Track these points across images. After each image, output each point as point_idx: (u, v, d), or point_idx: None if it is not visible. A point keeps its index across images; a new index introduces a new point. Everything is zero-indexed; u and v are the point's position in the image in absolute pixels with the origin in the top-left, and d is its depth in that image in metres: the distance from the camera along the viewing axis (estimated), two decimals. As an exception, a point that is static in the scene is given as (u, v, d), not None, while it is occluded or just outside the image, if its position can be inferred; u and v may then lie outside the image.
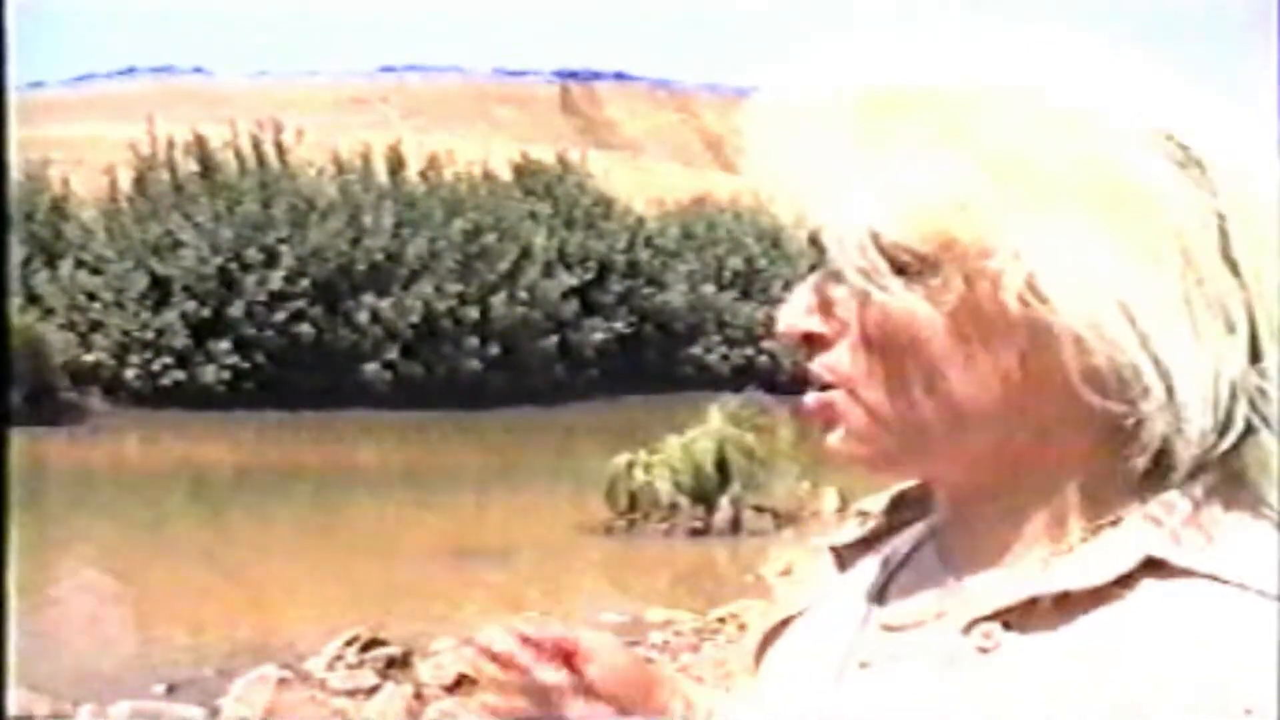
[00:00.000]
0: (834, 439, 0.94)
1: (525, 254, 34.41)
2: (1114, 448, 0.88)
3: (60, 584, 12.99)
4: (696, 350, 36.84)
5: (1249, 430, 0.87)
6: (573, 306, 34.83)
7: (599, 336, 35.23)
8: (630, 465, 15.87)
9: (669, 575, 14.05)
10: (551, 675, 1.19)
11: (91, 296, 30.84)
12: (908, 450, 0.92)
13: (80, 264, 31.24)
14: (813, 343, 0.94)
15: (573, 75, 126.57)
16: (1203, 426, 0.85)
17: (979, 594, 0.92)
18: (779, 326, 0.96)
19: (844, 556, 1.05)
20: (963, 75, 0.88)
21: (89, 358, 30.03)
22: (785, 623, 1.09)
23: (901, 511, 1.03)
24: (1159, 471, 0.88)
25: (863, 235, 0.87)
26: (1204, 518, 0.87)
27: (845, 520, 1.09)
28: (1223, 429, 0.86)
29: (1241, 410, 0.86)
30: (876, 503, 1.06)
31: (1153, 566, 0.86)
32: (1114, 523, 0.89)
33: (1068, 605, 0.87)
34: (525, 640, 1.21)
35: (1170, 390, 0.85)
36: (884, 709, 0.93)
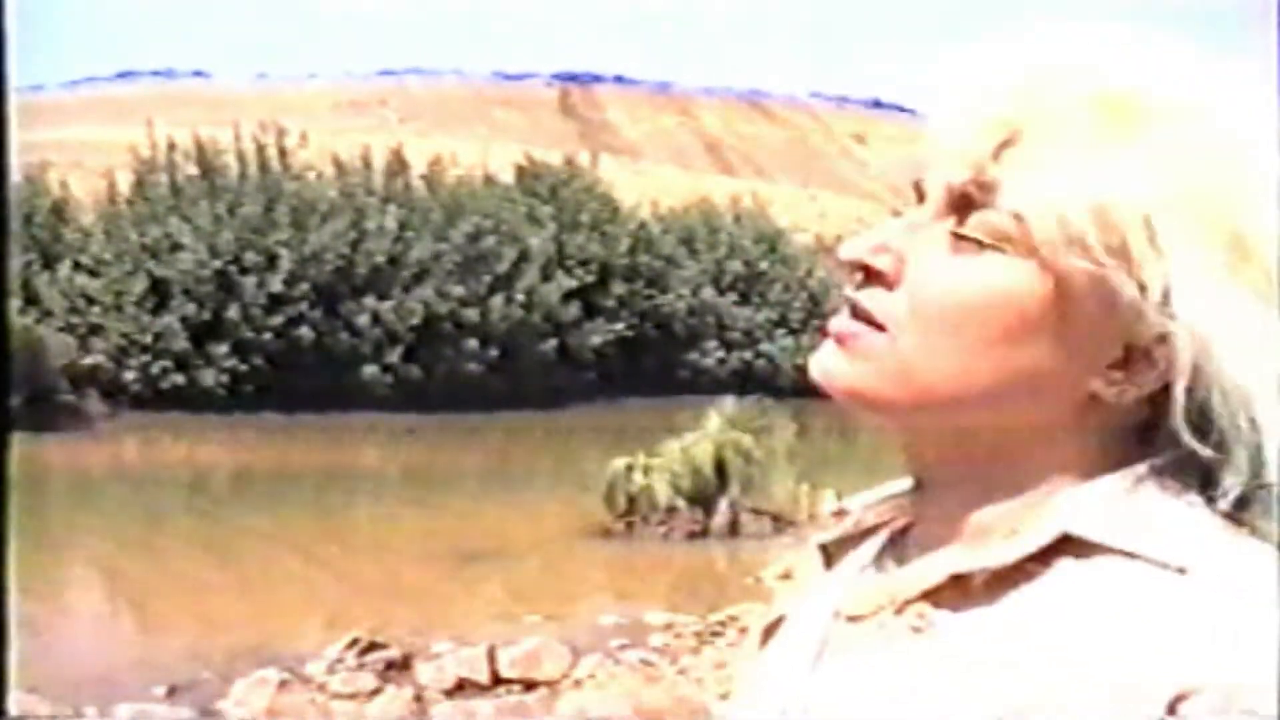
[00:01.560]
0: (825, 358, 0.93)
1: (525, 257, 34.42)
2: (1196, 485, 0.89)
3: (60, 587, 13.00)
4: (696, 354, 36.86)
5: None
6: (573, 310, 34.84)
7: (599, 340, 35.24)
8: (629, 468, 15.88)
9: (668, 578, 14.05)
10: None
11: (90, 299, 30.86)
12: (902, 402, 0.91)
13: (79, 267, 31.26)
14: (869, 276, 0.93)
15: (572, 78, 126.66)
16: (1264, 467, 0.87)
17: (915, 576, 0.93)
18: (840, 253, 0.94)
19: (831, 554, 1.06)
20: (1160, 88, 0.88)
21: (88, 361, 30.03)
22: (780, 621, 1.10)
23: (887, 509, 1.04)
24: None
25: (1040, 210, 0.86)
26: (1136, 496, 0.88)
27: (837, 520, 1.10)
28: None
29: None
30: (859, 501, 1.07)
31: (1075, 544, 0.87)
32: (1048, 501, 0.90)
33: (994, 583, 0.88)
34: None
35: (1253, 441, 0.86)
36: (838, 696, 0.95)
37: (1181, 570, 0.84)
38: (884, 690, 0.91)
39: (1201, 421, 0.87)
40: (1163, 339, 0.86)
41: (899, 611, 0.92)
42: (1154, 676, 0.81)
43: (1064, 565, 0.87)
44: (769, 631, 1.09)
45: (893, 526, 1.02)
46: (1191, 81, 0.89)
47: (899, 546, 1.00)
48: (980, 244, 0.88)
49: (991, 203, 0.88)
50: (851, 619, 0.96)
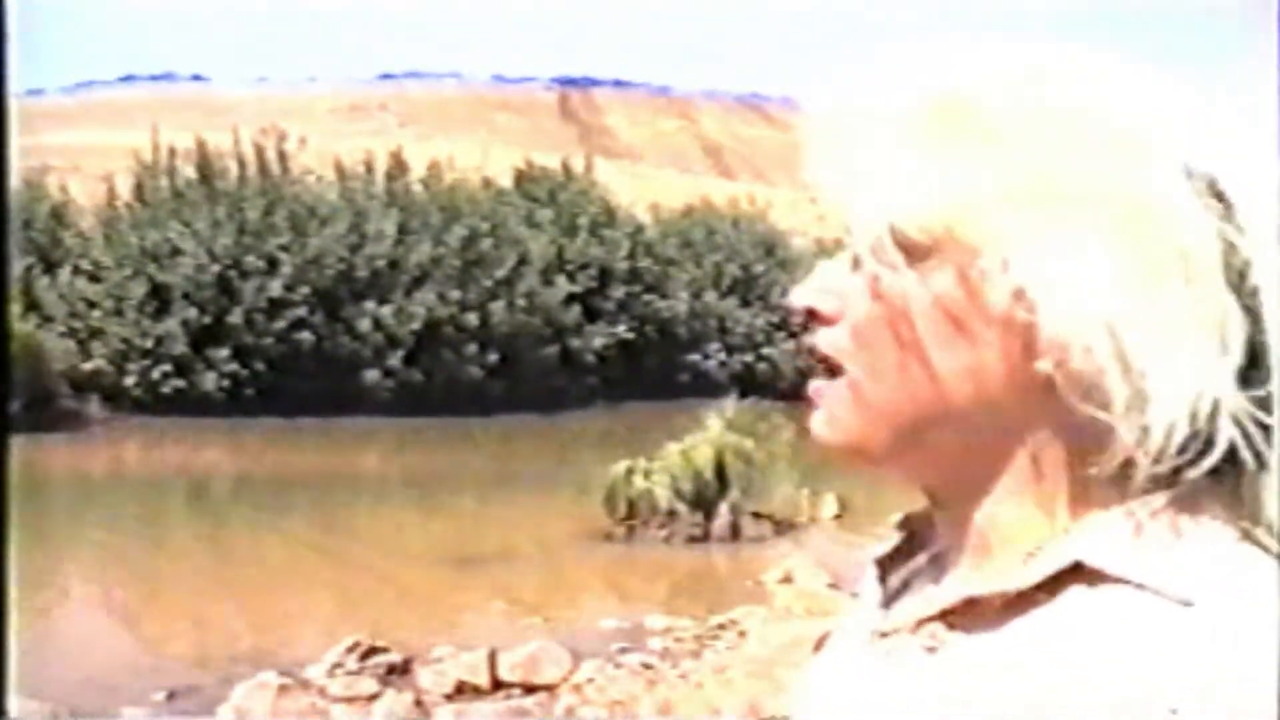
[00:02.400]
0: (814, 421, 0.97)
1: (525, 261, 34.45)
2: (1086, 453, 0.90)
3: (60, 591, 13.00)
4: (696, 357, 36.87)
5: (1236, 458, 0.88)
6: (573, 313, 34.87)
7: (599, 343, 35.26)
8: (629, 472, 15.89)
9: (668, 582, 14.06)
10: None
11: (91, 304, 30.87)
12: (884, 439, 0.94)
13: (79, 271, 31.27)
14: (818, 320, 0.96)
15: (572, 82, 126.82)
16: (1167, 442, 0.87)
17: (936, 596, 0.95)
18: (790, 302, 0.98)
19: (885, 568, 1.07)
20: (1004, 87, 0.90)
21: (88, 365, 30.04)
22: (830, 634, 1.12)
23: (933, 522, 1.05)
24: (1126, 481, 0.90)
25: (880, 221, 0.90)
26: (1152, 526, 0.88)
27: (870, 529, 1.12)
28: (1201, 450, 0.87)
29: (1226, 434, 0.87)
30: (912, 514, 1.08)
31: (1085, 573, 0.88)
32: (1070, 529, 0.91)
33: (1007, 607, 0.90)
34: None
35: (1139, 404, 0.86)
36: (853, 710, 0.97)
37: (1186, 603, 0.84)
38: (894, 708, 0.93)
39: (1093, 391, 0.87)
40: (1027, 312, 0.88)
41: (914, 630, 0.94)
42: (1152, 709, 0.82)
43: (1074, 593, 0.89)
44: (820, 643, 1.12)
45: (935, 546, 1.03)
46: (1041, 79, 0.91)
47: (937, 563, 1.01)
48: (885, 259, 0.90)
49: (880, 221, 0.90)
50: (883, 636, 0.98)
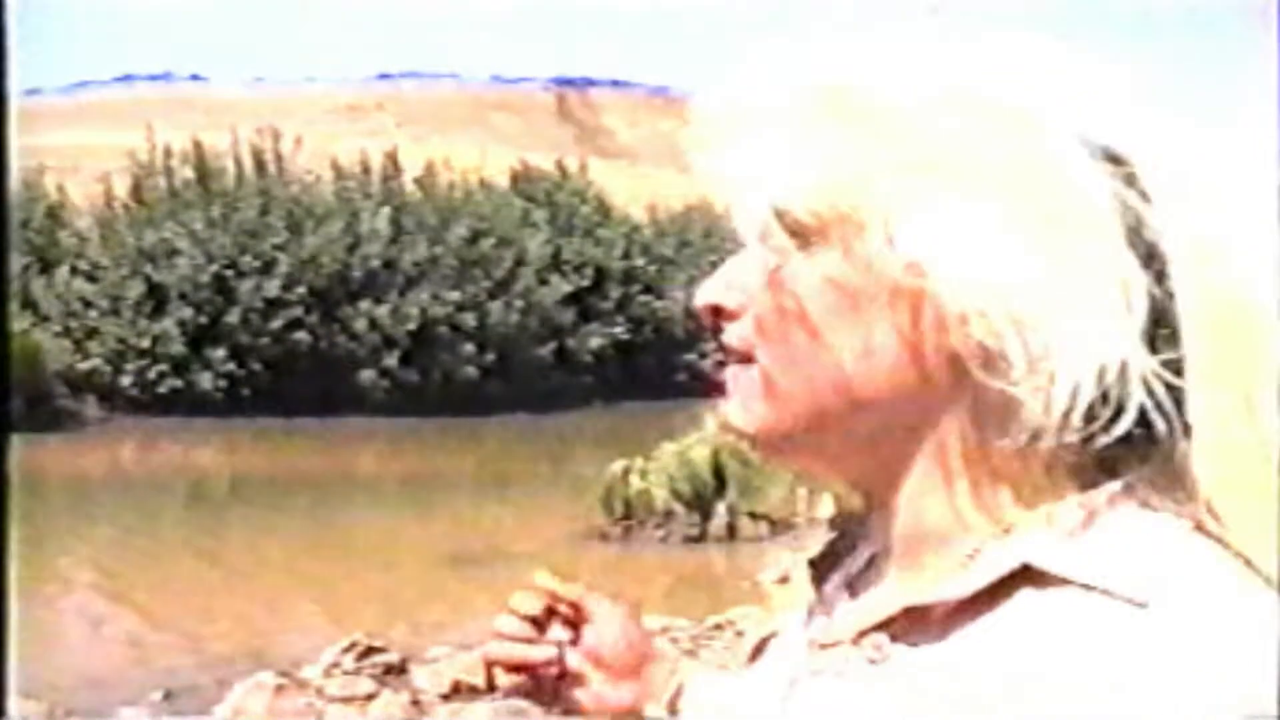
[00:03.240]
0: (727, 409, 0.96)
1: (521, 261, 34.44)
2: (1001, 431, 0.88)
3: (56, 591, 12.99)
4: (692, 357, 36.87)
5: (1149, 428, 0.86)
6: (570, 313, 34.85)
7: (596, 343, 35.24)
8: (626, 472, 15.88)
9: (665, 582, 14.05)
10: (558, 634, 1.26)
11: (87, 304, 30.85)
12: (793, 426, 0.92)
13: (76, 271, 31.25)
14: (722, 315, 0.96)
15: (569, 82, 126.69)
16: (1074, 410, 0.85)
17: (875, 604, 0.93)
18: (695, 301, 0.98)
19: (819, 570, 1.05)
20: (887, 72, 0.90)
21: (85, 365, 30.02)
22: (769, 639, 1.10)
23: (867, 522, 1.03)
24: (1065, 463, 0.88)
25: (764, 207, 0.89)
26: (1102, 520, 0.87)
27: (815, 530, 1.10)
28: (1112, 417, 0.85)
29: (1136, 398, 0.85)
30: (843, 513, 1.06)
31: (1034, 575, 0.86)
32: (1015, 526, 0.89)
33: (956, 614, 0.87)
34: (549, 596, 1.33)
35: (1043, 371, 0.85)
36: None
37: (1141, 604, 0.82)
38: None
39: (996, 361, 0.86)
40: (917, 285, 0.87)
41: (856, 642, 0.92)
42: (1110, 714, 0.80)
43: (1022, 597, 0.86)
44: (758, 650, 1.09)
45: (871, 546, 1.01)
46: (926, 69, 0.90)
47: (873, 569, 0.99)
48: (776, 244, 0.90)
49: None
50: (822, 646, 0.96)
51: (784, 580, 13.27)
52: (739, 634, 11.00)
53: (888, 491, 0.93)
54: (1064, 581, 0.85)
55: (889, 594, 0.92)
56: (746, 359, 0.94)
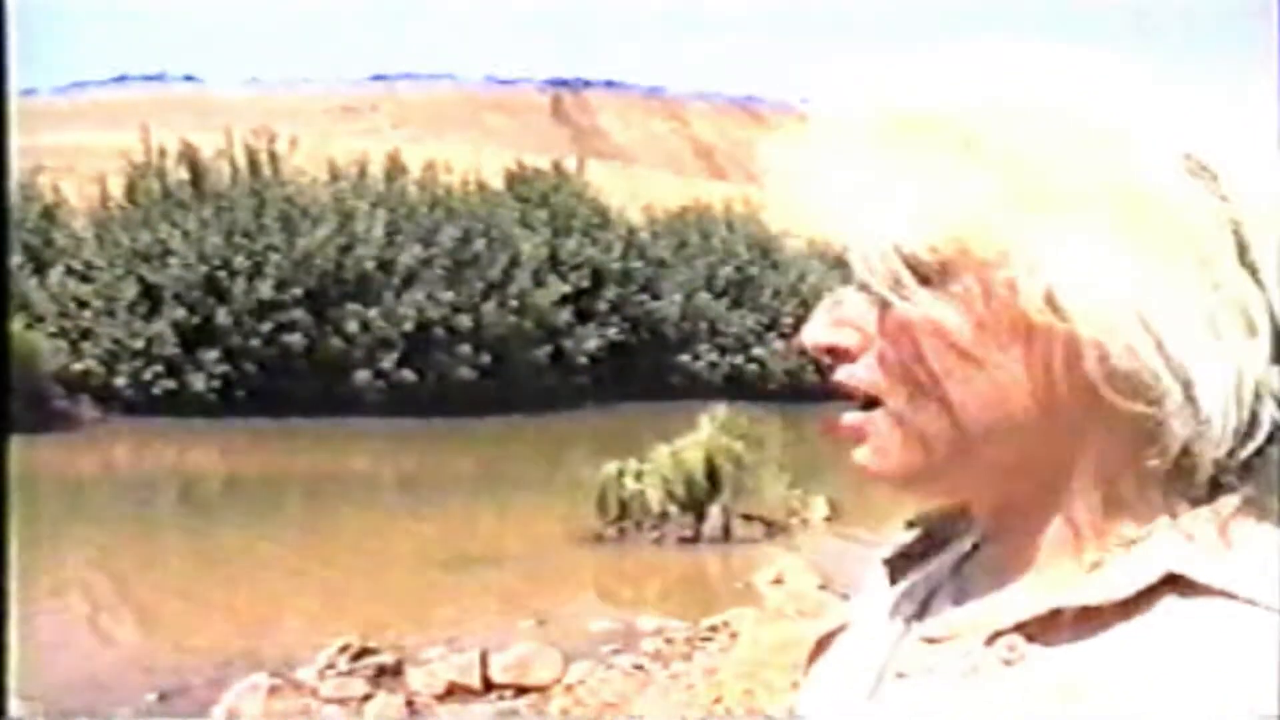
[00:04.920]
0: (860, 455, 0.95)
1: (517, 262, 34.44)
2: (1138, 451, 0.89)
3: (50, 592, 12.97)
4: (688, 358, 36.89)
5: (1274, 437, 0.88)
6: (565, 315, 34.86)
7: (591, 344, 35.25)
8: (621, 473, 15.87)
9: (659, 583, 14.05)
10: None
11: (82, 304, 30.83)
12: (934, 464, 0.92)
13: (70, 272, 31.23)
14: (837, 356, 0.94)
15: (564, 83, 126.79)
16: (1224, 428, 0.86)
17: (1004, 606, 0.93)
18: (804, 341, 0.96)
19: (895, 568, 1.06)
20: (980, 94, 0.90)
21: (79, 365, 30.00)
22: (834, 634, 1.09)
23: (952, 524, 1.04)
24: (1185, 478, 0.89)
25: (885, 247, 0.88)
26: (1232, 532, 0.88)
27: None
28: (1247, 432, 0.87)
29: (1267, 413, 0.86)
30: (925, 515, 1.06)
31: (1176, 582, 0.86)
32: (1144, 536, 0.89)
33: (1091, 619, 0.88)
34: None
35: (1189, 392, 0.86)
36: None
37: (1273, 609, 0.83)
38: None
39: (1138, 387, 0.86)
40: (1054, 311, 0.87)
41: (989, 642, 0.92)
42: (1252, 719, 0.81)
43: (1166, 603, 0.87)
44: (823, 643, 1.09)
45: (960, 547, 1.01)
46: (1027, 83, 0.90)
47: (971, 567, 1.00)
48: (897, 284, 0.89)
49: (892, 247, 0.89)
50: (930, 641, 0.96)
51: (778, 582, 13.28)
52: (733, 635, 11.01)
53: (1020, 511, 0.94)
54: (1207, 590, 0.86)
55: (1021, 595, 0.92)
56: (869, 401, 0.93)
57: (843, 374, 0.94)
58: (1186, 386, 0.86)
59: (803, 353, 0.96)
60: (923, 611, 1.01)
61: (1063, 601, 0.89)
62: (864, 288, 0.92)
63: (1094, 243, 0.86)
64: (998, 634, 0.91)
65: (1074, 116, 0.88)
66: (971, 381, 0.89)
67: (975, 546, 1.01)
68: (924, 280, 0.88)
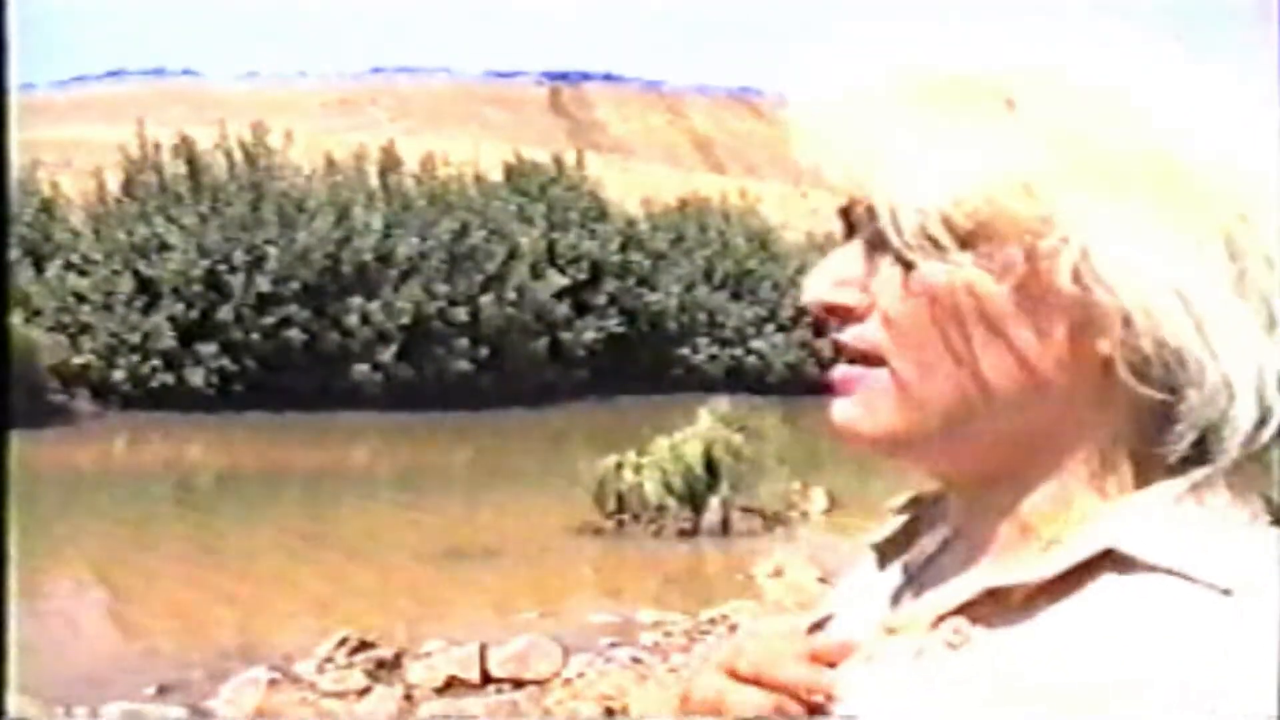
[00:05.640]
0: (842, 410, 0.92)
1: (515, 255, 34.43)
2: (1142, 436, 0.88)
3: (49, 586, 12.98)
4: (686, 351, 36.89)
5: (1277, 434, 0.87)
6: (563, 308, 34.85)
7: (589, 337, 35.26)
8: (619, 466, 15.88)
9: (658, 576, 14.05)
10: None
11: (79, 298, 30.82)
12: (924, 432, 0.90)
13: (68, 266, 31.21)
14: (839, 315, 0.92)
15: (562, 76, 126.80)
16: (1247, 417, 0.85)
17: (950, 590, 0.92)
18: (804, 297, 0.93)
19: (884, 555, 1.04)
20: (1019, 60, 0.88)
21: (78, 360, 29.99)
22: (825, 621, 1.09)
23: (937, 510, 1.02)
24: (1190, 464, 0.88)
25: (924, 209, 0.86)
26: (1186, 513, 0.87)
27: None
28: (1260, 423, 0.86)
29: (1278, 408, 0.85)
30: (912, 500, 1.05)
31: (1117, 559, 0.85)
32: (1096, 516, 0.88)
33: (1032, 599, 0.87)
34: None
35: (1226, 376, 0.85)
36: (865, 708, 0.93)
37: (1227, 591, 0.82)
38: (918, 706, 0.90)
39: (1158, 370, 0.86)
40: (1092, 289, 0.85)
41: (934, 626, 0.91)
42: (1192, 700, 0.80)
43: (1105, 581, 0.86)
44: (813, 630, 1.08)
45: (942, 532, 1.00)
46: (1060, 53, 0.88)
47: (945, 554, 0.98)
48: (931, 247, 0.87)
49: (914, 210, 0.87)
50: (890, 631, 0.95)
51: (777, 574, 13.29)
52: (732, 628, 11.02)
53: (1003, 490, 0.92)
54: (1148, 567, 0.85)
55: (971, 579, 0.91)
56: (868, 360, 0.91)
57: (850, 333, 0.91)
58: (1222, 370, 0.85)
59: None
60: (896, 599, 1.00)
61: (996, 581, 0.88)
62: (872, 248, 0.90)
63: (1134, 218, 0.85)
64: (941, 617, 0.91)
65: (1114, 89, 0.87)
66: (995, 350, 0.88)
67: (956, 529, 0.99)
68: (960, 245, 0.87)
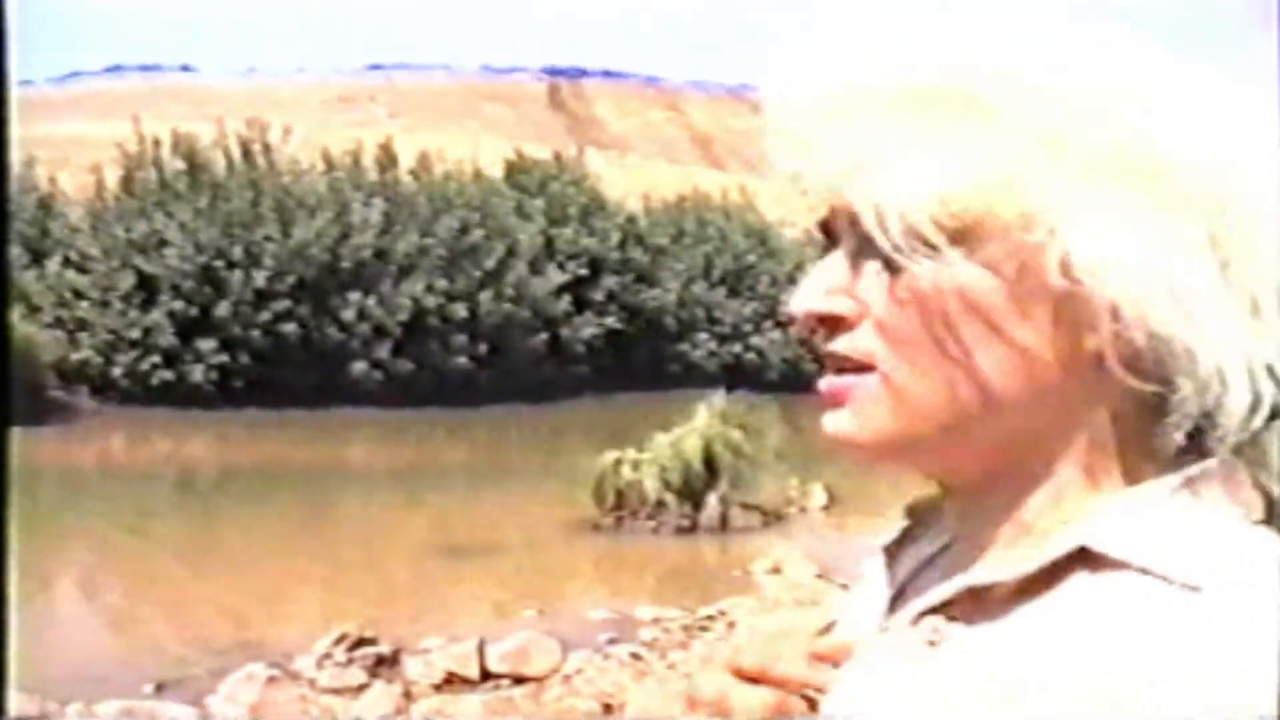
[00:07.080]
0: (835, 421, 0.92)
1: (514, 251, 34.43)
2: (1136, 431, 0.88)
3: (47, 583, 12.98)
4: (685, 347, 36.90)
5: (1271, 420, 0.87)
6: (562, 304, 34.85)
7: (588, 333, 35.26)
8: (618, 463, 15.88)
9: (657, 572, 14.06)
10: None
11: (78, 295, 30.81)
12: (919, 437, 0.90)
13: (67, 262, 31.21)
14: (831, 325, 0.92)
15: (561, 73, 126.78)
16: (1240, 408, 0.85)
17: (934, 588, 0.93)
18: (794, 309, 0.93)
19: (892, 555, 1.04)
20: (996, 60, 0.88)
21: (77, 356, 29.99)
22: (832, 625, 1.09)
23: (940, 513, 1.02)
24: (1182, 457, 0.88)
25: (911, 209, 0.86)
26: (1160, 511, 0.87)
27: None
28: (1253, 408, 0.86)
29: (1268, 395, 0.86)
30: (917, 502, 1.05)
31: (1090, 558, 0.86)
32: (1078, 515, 0.88)
33: (1011, 597, 0.87)
34: None
35: (1217, 364, 0.85)
36: (846, 706, 0.94)
37: (1194, 588, 0.82)
38: (897, 704, 0.90)
39: (1150, 363, 0.86)
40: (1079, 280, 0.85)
41: (914, 623, 0.92)
42: (1160, 698, 0.80)
43: (1077, 579, 0.86)
44: (824, 633, 1.08)
45: (944, 534, 1.00)
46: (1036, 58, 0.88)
47: (946, 555, 0.99)
48: (923, 248, 0.86)
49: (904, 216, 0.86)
50: (883, 630, 0.96)
51: (775, 570, 13.30)
52: (731, 625, 11.03)
53: (990, 486, 0.92)
54: (1118, 564, 0.85)
55: (952, 579, 0.92)
56: (861, 368, 0.91)
57: (843, 343, 0.91)
58: (1213, 360, 0.85)
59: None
60: (897, 600, 0.99)
61: (971, 580, 0.89)
62: (857, 255, 0.90)
63: (1118, 210, 0.85)
64: (921, 615, 0.91)
65: (1095, 86, 0.87)
66: (989, 348, 0.87)
67: (955, 535, 1.00)
68: (945, 244, 0.86)
